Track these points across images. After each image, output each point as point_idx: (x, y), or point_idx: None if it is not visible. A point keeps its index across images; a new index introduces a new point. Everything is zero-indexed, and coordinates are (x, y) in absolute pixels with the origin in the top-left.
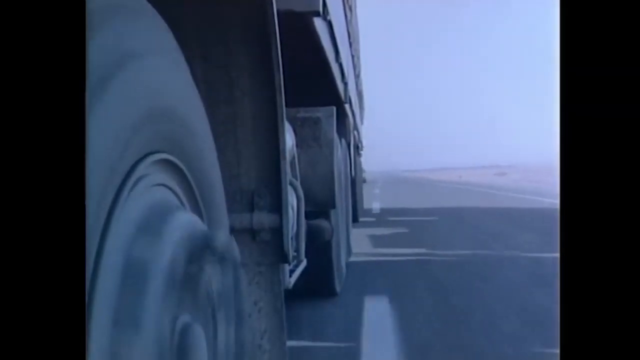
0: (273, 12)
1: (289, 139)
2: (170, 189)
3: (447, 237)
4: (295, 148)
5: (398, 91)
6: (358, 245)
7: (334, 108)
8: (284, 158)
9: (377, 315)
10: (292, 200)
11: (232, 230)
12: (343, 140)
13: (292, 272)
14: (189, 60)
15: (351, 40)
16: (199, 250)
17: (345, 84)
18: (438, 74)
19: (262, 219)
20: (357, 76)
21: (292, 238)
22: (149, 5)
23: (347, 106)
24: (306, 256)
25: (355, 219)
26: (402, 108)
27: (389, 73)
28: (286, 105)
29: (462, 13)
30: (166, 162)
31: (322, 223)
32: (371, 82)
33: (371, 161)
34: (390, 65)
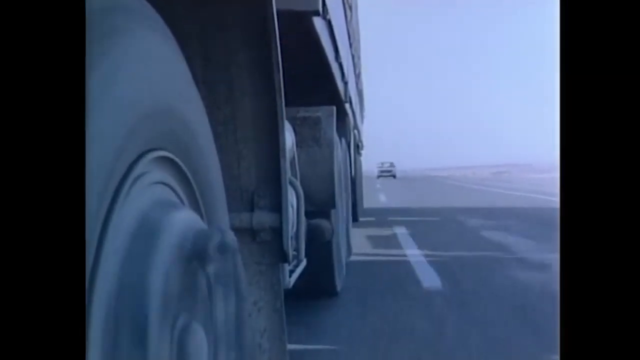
0: (273, 12)
1: (289, 138)
2: (169, 186)
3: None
4: (295, 147)
5: (399, 92)
6: None
7: (334, 107)
8: (284, 157)
9: None
10: (292, 199)
11: (232, 230)
12: (343, 140)
13: (292, 271)
14: (189, 60)
15: (351, 39)
16: (199, 247)
17: (346, 84)
18: (439, 74)
19: (262, 218)
20: (357, 75)
21: (292, 238)
22: (149, 5)
23: (347, 105)
24: (306, 256)
25: (355, 219)
26: (402, 109)
27: (390, 73)
28: (286, 105)
29: (464, 12)
30: (166, 160)
31: (322, 223)
32: (372, 82)
33: (372, 160)
34: (391, 65)
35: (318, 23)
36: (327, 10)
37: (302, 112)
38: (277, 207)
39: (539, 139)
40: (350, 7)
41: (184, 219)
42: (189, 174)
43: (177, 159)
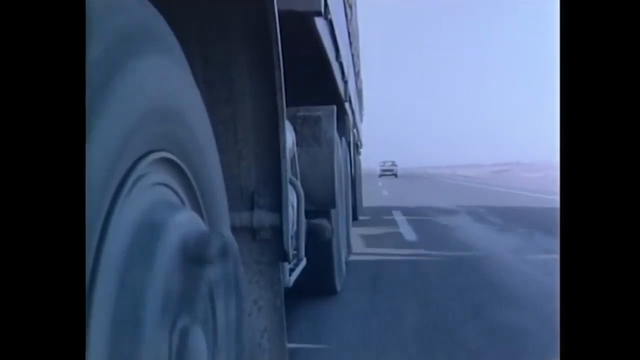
0: (274, 12)
1: (289, 137)
2: (170, 187)
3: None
4: (295, 147)
5: (398, 90)
6: None
7: (335, 107)
8: (284, 157)
9: None
10: (292, 199)
11: (232, 229)
12: (343, 139)
13: (292, 270)
14: (190, 60)
15: (351, 38)
16: (199, 248)
17: (346, 83)
18: (438, 73)
19: (262, 217)
20: (356, 74)
21: (292, 237)
22: (150, 5)
23: (347, 105)
24: (306, 255)
25: (355, 218)
26: (401, 108)
27: (390, 71)
28: (286, 104)
29: (465, 10)
30: (167, 161)
31: (322, 222)
32: (372, 81)
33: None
34: (390, 65)
35: (320, 23)
36: (328, 10)
37: (303, 111)
38: (277, 206)
39: (542, 138)
40: (351, 7)
41: (185, 221)
42: (189, 175)
43: (177, 160)
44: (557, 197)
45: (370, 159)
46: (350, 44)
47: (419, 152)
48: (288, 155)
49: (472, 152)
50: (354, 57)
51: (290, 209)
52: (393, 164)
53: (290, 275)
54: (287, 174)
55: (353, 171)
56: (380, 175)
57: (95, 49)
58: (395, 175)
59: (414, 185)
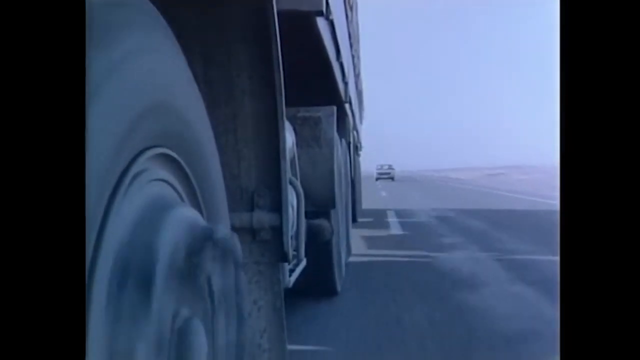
0: (273, 12)
1: (289, 138)
2: (169, 184)
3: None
4: (295, 147)
5: (398, 91)
6: None
7: (335, 107)
8: (284, 157)
9: None
10: (292, 199)
11: (232, 229)
12: (343, 140)
13: (292, 271)
14: (190, 60)
15: (352, 40)
16: (199, 245)
17: (346, 84)
18: (437, 73)
19: (262, 218)
20: (356, 76)
21: (292, 237)
22: (150, 4)
23: (347, 106)
24: (306, 255)
25: (354, 219)
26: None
27: (389, 73)
28: (286, 105)
29: (462, 13)
30: (166, 157)
31: (322, 222)
32: (371, 83)
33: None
34: (390, 65)
35: (321, 23)
36: (330, 10)
37: (303, 112)
38: (277, 206)
39: (544, 142)
40: (351, 8)
41: (184, 216)
42: (188, 172)
43: (177, 157)
44: (521, 195)
45: (368, 162)
46: (351, 45)
47: (418, 155)
48: (288, 156)
49: (472, 154)
50: (355, 58)
51: (290, 209)
52: (390, 167)
53: (290, 275)
54: (287, 174)
55: (352, 173)
56: (377, 179)
57: (95, 47)
58: (392, 178)
59: (409, 186)
